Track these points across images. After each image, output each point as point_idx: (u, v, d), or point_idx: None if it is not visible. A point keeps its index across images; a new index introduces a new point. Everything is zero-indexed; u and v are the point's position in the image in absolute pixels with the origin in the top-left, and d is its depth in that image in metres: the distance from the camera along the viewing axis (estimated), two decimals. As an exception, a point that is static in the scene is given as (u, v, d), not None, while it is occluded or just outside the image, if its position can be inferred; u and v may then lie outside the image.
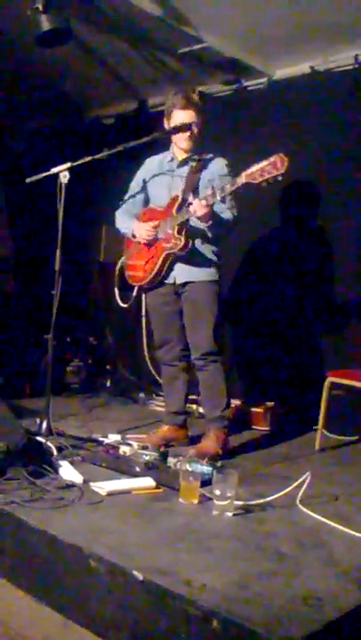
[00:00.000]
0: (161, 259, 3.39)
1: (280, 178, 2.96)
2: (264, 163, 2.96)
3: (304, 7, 3.81)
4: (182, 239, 3.29)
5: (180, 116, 3.35)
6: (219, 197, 3.14)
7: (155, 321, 3.62)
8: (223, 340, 3.53)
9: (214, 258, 3.43)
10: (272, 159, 2.94)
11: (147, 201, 3.61)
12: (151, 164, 3.60)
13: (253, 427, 4.19)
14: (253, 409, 4.24)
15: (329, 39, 4.22)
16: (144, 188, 3.60)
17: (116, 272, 3.62)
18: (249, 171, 3.01)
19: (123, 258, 3.62)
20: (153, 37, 4.35)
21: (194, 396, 4.06)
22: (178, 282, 3.42)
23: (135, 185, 3.65)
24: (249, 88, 4.92)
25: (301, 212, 4.62)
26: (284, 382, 4.55)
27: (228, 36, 4.30)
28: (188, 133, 3.35)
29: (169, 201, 3.41)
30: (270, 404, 4.30)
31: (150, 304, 3.62)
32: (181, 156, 3.45)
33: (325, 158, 4.48)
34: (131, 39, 4.40)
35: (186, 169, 3.44)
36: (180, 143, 3.40)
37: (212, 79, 4.97)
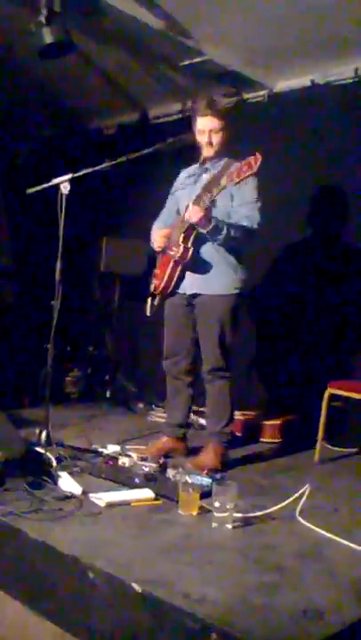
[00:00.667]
0: (170, 267, 3.36)
1: (254, 175, 3.08)
2: (243, 162, 3.07)
3: (304, 20, 3.85)
4: (182, 247, 3.27)
5: (200, 123, 3.35)
6: (208, 202, 3.15)
7: (166, 330, 3.56)
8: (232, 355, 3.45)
9: (230, 270, 3.34)
10: (249, 159, 3.04)
11: (179, 211, 3.56)
12: (183, 175, 3.60)
13: (261, 439, 4.16)
14: (263, 422, 4.21)
15: (329, 52, 4.25)
16: (174, 199, 3.60)
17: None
18: (228, 171, 3.12)
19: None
20: (154, 50, 4.39)
21: (195, 408, 4.04)
22: (188, 292, 3.40)
23: (169, 198, 3.66)
24: (249, 100, 4.95)
25: (303, 224, 4.64)
26: (292, 395, 4.54)
27: (229, 48, 4.34)
28: (205, 140, 3.34)
29: (185, 207, 3.39)
30: (279, 417, 4.28)
31: (166, 313, 3.54)
32: (205, 163, 3.44)
33: (325, 170, 4.50)
34: (132, 51, 4.44)
35: (207, 176, 3.40)
36: (202, 150, 3.40)
37: (213, 91, 4.98)
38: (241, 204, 3.29)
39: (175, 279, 3.38)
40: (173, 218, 3.57)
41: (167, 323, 3.55)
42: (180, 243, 3.28)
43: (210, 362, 3.36)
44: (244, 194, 3.28)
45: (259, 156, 2.99)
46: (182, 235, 3.28)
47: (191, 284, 3.37)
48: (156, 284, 3.48)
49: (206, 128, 3.33)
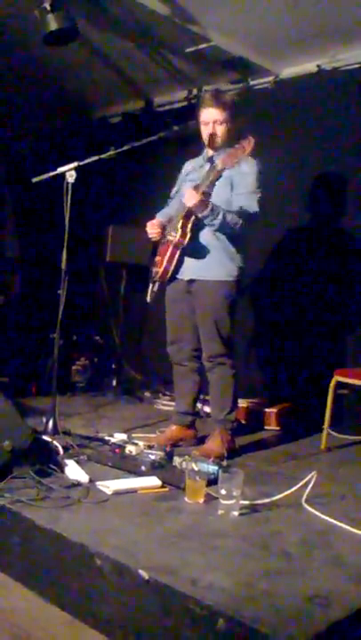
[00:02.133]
0: (169, 252, 3.37)
1: (249, 155, 3.16)
2: (236, 146, 3.14)
3: (311, 6, 3.81)
4: (180, 231, 3.27)
5: (204, 114, 3.35)
6: (204, 187, 3.17)
7: (168, 317, 3.57)
8: (234, 341, 3.48)
9: (228, 257, 3.34)
10: (243, 142, 3.11)
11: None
12: (187, 166, 3.61)
13: (266, 427, 4.17)
14: (266, 409, 4.23)
15: (336, 38, 4.21)
16: (180, 189, 3.58)
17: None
18: (223, 157, 3.19)
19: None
20: (160, 36, 4.36)
21: (201, 396, 4.05)
22: (185, 278, 3.40)
23: (174, 188, 3.66)
24: (256, 87, 4.92)
25: (308, 211, 4.62)
26: (296, 382, 4.55)
27: (235, 34, 4.30)
28: (209, 132, 3.33)
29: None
30: (283, 404, 4.30)
31: (167, 299, 3.55)
32: (210, 154, 3.43)
33: (332, 157, 4.47)
34: (137, 38, 4.41)
35: (210, 167, 3.38)
36: (206, 143, 3.39)
37: (219, 78, 4.97)
38: (240, 192, 3.29)
39: (174, 263, 3.38)
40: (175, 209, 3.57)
41: (168, 309, 3.56)
42: (179, 227, 3.28)
43: (208, 349, 3.37)
44: (244, 183, 3.27)
45: (252, 139, 3.06)
46: (181, 220, 3.28)
47: (189, 269, 3.38)
48: (156, 270, 3.48)
49: (210, 119, 3.32)
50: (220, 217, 3.18)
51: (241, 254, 3.38)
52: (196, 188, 3.24)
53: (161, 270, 3.41)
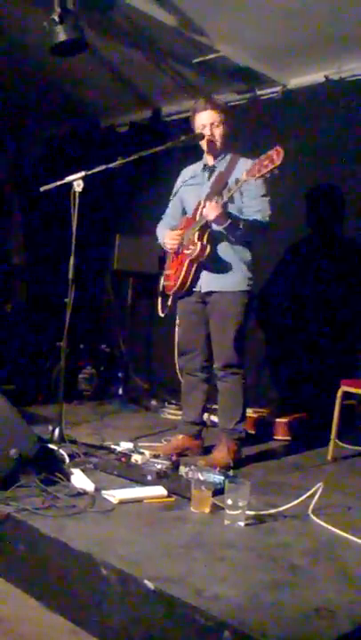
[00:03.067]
0: (185, 266, 3.36)
1: (276, 170, 2.96)
2: (262, 157, 2.99)
3: (318, 16, 3.83)
4: (199, 244, 3.26)
5: (200, 119, 3.37)
6: (226, 198, 3.14)
7: (181, 327, 3.57)
8: (246, 351, 3.46)
9: (243, 267, 3.34)
10: (270, 153, 2.95)
11: (184, 211, 3.59)
12: (185, 173, 3.62)
13: (276, 437, 4.16)
14: (277, 419, 4.21)
15: (343, 48, 4.23)
16: (179, 199, 3.61)
17: (160, 286, 3.63)
18: (249, 168, 3.04)
19: (164, 271, 3.63)
20: (167, 47, 4.39)
21: (208, 405, 4.04)
22: (203, 290, 3.39)
23: (173, 197, 3.67)
24: (263, 97, 4.94)
25: (317, 221, 4.62)
26: (305, 393, 4.53)
27: (243, 45, 4.33)
28: (206, 135, 3.35)
29: (195, 206, 3.40)
30: (295, 414, 4.28)
31: (179, 311, 3.55)
32: (211, 161, 3.45)
33: (340, 167, 4.47)
34: (145, 48, 4.44)
35: (215, 174, 3.42)
36: (204, 147, 3.41)
37: (227, 88, 5.00)
38: (252, 197, 3.29)
39: (191, 278, 3.38)
40: (178, 219, 3.58)
41: (180, 320, 3.55)
42: (197, 241, 3.28)
43: (222, 358, 3.36)
44: (254, 188, 3.28)
45: (281, 149, 2.92)
46: (197, 233, 3.28)
47: (205, 281, 3.37)
48: (169, 284, 3.48)
49: (207, 122, 3.35)
50: (241, 227, 3.19)
51: (251, 263, 3.39)
52: (211, 199, 3.20)
53: (178, 284, 3.40)
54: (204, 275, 3.37)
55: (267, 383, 4.75)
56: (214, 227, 3.25)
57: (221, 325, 3.35)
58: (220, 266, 3.33)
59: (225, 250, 3.32)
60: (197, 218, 3.33)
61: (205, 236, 3.28)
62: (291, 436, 4.15)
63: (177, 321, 3.59)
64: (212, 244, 3.29)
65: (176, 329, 3.59)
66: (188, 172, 3.61)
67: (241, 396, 3.39)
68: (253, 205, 3.28)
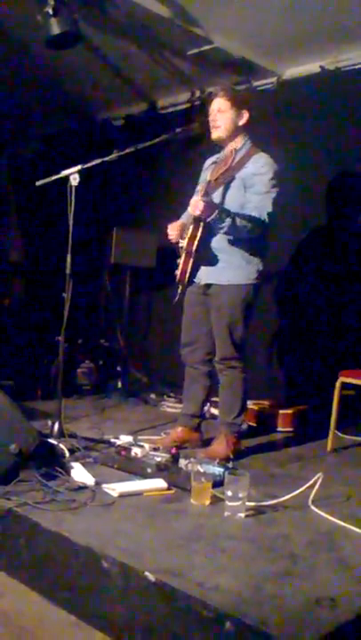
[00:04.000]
0: (183, 258, 3.34)
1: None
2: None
3: (313, 7, 3.81)
4: (187, 239, 3.25)
5: (211, 106, 3.34)
6: (204, 191, 3.11)
7: (184, 319, 3.55)
8: (247, 345, 3.44)
9: (244, 260, 3.30)
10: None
11: None
12: (208, 161, 3.56)
13: (278, 429, 4.17)
14: (276, 411, 4.22)
15: (338, 38, 4.22)
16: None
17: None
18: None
19: None
20: (162, 39, 4.37)
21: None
22: (202, 282, 3.39)
23: (198, 186, 3.58)
24: (259, 88, 4.92)
25: (314, 212, 4.61)
26: (305, 384, 4.53)
27: (238, 36, 4.31)
28: (213, 123, 3.31)
29: None
30: (292, 406, 4.28)
31: (185, 302, 3.53)
32: (229, 148, 3.37)
33: (336, 157, 4.46)
34: (140, 41, 4.42)
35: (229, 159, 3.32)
36: (211, 134, 3.36)
37: (222, 80, 4.96)
38: (253, 193, 3.25)
39: (189, 270, 3.35)
40: None
41: (185, 312, 3.55)
42: (189, 233, 3.26)
43: (221, 351, 3.36)
44: (257, 184, 3.23)
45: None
46: (191, 226, 3.27)
47: (205, 274, 3.36)
48: (177, 273, 3.48)
49: (214, 108, 3.32)
50: (229, 220, 3.11)
51: (259, 257, 3.34)
52: (198, 194, 3.18)
53: (179, 275, 3.39)
54: (203, 267, 3.36)
55: (269, 375, 4.74)
56: (204, 220, 3.19)
57: (219, 318, 3.34)
58: (220, 261, 3.31)
59: (222, 243, 3.29)
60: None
61: (199, 230, 3.23)
62: (290, 428, 4.16)
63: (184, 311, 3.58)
64: (204, 237, 3.25)
65: (183, 319, 3.58)
66: (209, 161, 3.54)
67: (240, 389, 3.39)
68: (253, 201, 3.23)
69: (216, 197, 3.28)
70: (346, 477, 3.13)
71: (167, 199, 3.70)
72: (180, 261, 3.36)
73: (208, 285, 3.37)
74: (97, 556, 2.02)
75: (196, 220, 3.23)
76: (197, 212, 3.12)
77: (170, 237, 3.46)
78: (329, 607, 1.76)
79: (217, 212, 3.12)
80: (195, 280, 3.40)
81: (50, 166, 3.62)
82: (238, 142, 3.36)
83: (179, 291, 3.47)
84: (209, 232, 3.26)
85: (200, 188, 3.32)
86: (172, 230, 3.43)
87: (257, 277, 3.34)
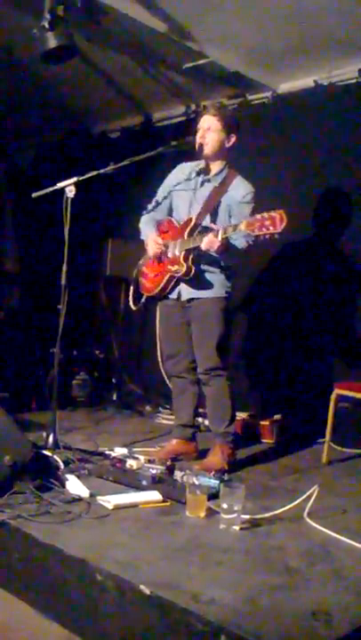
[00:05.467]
0: (166, 278, 3.39)
1: (277, 236, 2.91)
2: (265, 216, 2.90)
3: (307, 22, 3.85)
4: (185, 266, 3.28)
5: (200, 122, 3.38)
6: (220, 237, 3.07)
7: (163, 332, 3.59)
8: (230, 354, 3.49)
9: (222, 274, 3.36)
10: (274, 215, 2.88)
11: (171, 208, 3.57)
12: (181, 171, 3.54)
13: (263, 440, 4.17)
14: (262, 422, 4.22)
15: (332, 53, 4.26)
16: (169, 196, 3.56)
17: (134, 273, 3.62)
18: (250, 220, 2.98)
19: (141, 261, 3.61)
20: (157, 53, 4.40)
21: (202, 410, 4.05)
22: (183, 298, 3.41)
23: (162, 190, 3.60)
24: (253, 102, 4.96)
25: (306, 226, 4.63)
26: (292, 395, 4.54)
27: (232, 50, 4.34)
28: (199, 138, 3.34)
29: (185, 220, 3.38)
30: (278, 416, 4.29)
31: (160, 314, 3.58)
32: (208, 168, 3.41)
33: (330, 171, 4.49)
34: (135, 54, 4.45)
35: (209, 187, 3.39)
36: (197, 150, 3.39)
37: (217, 93, 5.02)
38: (241, 220, 3.25)
39: (169, 289, 3.42)
40: (163, 215, 3.56)
41: (162, 325, 3.58)
42: (183, 261, 3.28)
43: (205, 362, 3.37)
44: (244, 212, 3.25)
45: (285, 217, 2.85)
46: (184, 252, 3.28)
47: (185, 290, 3.39)
48: (146, 285, 3.49)
49: (203, 126, 3.35)
50: (225, 254, 3.19)
51: (232, 270, 3.41)
52: (215, 233, 3.11)
53: (155, 292, 3.44)
54: (184, 284, 3.39)
55: (254, 386, 4.75)
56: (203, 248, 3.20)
57: (202, 331, 3.37)
58: (201, 278, 3.34)
59: (207, 262, 3.32)
60: (186, 236, 3.31)
61: (191, 257, 3.28)
62: (278, 439, 4.16)
63: (157, 325, 3.59)
64: (197, 264, 3.30)
65: (157, 332, 3.59)
66: (184, 171, 3.53)
67: (228, 398, 3.40)
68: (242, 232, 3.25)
69: (205, 222, 3.32)
70: (341, 490, 3.13)
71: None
72: (162, 280, 3.40)
73: (189, 300, 3.40)
74: (91, 568, 2.01)
75: (195, 249, 3.23)
76: (213, 250, 3.12)
77: (151, 251, 3.46)
78: (325, 620, 1.75)
79: (228, 250, 3.14)
80: (170, 296, 3.44)
81: (46, 177, 3.63)
82: (219, 164, 3.40)
83: (143, 300, 3.49)
84: (198, 255, 3.28)
85: (193, 218, 3.33)
86: (156, 246, 3.43)
87: (230, 287, 3.41)
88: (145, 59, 4.52)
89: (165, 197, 3.58)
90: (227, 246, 3.14)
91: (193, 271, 3.29)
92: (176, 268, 3.31)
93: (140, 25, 3.92)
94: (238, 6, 3.77)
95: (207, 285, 3.35)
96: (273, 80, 4.77)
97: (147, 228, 3.58)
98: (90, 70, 4.72)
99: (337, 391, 3.62)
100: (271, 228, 2.87)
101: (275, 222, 2.86)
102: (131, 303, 3.56)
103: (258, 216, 2.94)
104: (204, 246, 3.15)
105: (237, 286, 3.71)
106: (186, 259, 3.29)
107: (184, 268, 3.28)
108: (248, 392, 4.65)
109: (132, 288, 3.55)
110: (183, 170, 3.54)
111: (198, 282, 3.35)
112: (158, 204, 3.60)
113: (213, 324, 3.34)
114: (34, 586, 2.20)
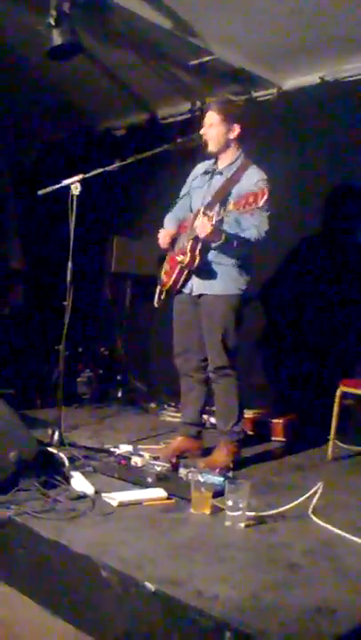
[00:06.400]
0: (176, 270, 3.39)
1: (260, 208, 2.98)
2: (249, 192, 2.96)
3: (312, 18, 3.84)
4: (189, 255, 3.27)
5: (204, 118, 3.38)
6: (214, 221, 3.08)
7: (175, 328, 3.57)
8: (239, 353, 3.45)
9: (236, 272, 3.33)
10: (257, 191, 2.93)
11: (192, 207, 3.55)
12: (198, 170, 3.57)
13: (273, 438, 4.17)
14: (273, 420, 4.22)
15: (338, 50, 4.24)
16: (189, 193, 3.57)
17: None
18: (237, 199, 3.02)
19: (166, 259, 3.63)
20: (163, 50, 4.40)
21: (207, 407, 4.05)
22: (194, 293, 3.41)
23: (184, 189, 3.62)
24: (259, 99, 4.95)
25: (313, 223, 4.62)
26: (301, 393, 4.53)
27: (238, 47, 4.34)
28: (204, 136, 3.34)
29: (195, 212, 3.38)
30: (289, 415, 4.29)
31: (174, 311, 3.56)
32: (222, 162, 3.41)
33: (335, 168, 4.48)
34: (141, 52, 4.45)
35: (221, 179, 3.38)
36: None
37: (222, 90, 4.98)
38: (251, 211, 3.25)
39: (181, 282, 3.42)
40: (186, 212, 3.56)
41: (175, 321, 3.56)
42: (188, 251, 3.29)
43: (214, 360, 3.37)
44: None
45: (265, 191, 2.92)
46: (190, 242, 3.29)
47: (197, 284, 3.39)
48: (165, 280, 3.49)
49: (207, 122, 3.35)
50: (235, 245, 3.17)
51: (248, 268, 3.38)
52: (206, 213, 3.14)
53: (170, 283, 3.43)
54: (195, 277, 3.38)
55: (264, 384, 4.74)
56: (212, 245, 3.21)
57: (211, 328, 3.36)
58: (212, 272, 3.33)
59: (217, 257, 3.31)
60: (193, 226, 3.31)
61: (198, 248, 3.27)
62: (287, 437, 4.15)
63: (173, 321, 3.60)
64: (202, 254, 3.28)
65: (174, 328, 3.59)
66: (200, 169, 3.55)
67: (236, 397, 3.39)
68: (251, 219, 3.21)
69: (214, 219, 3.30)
70: (346, 487, 3.13)
71: (167, 208, 3.70)
72: (174, 272, 3.39)
73: (199, 295, 3.39)
74: (96, 565, 2.02)
75: (197, 239, 3.24)
76: (203, 235, 3.13)
77: (161, 244, 3.48)
78: (329, 617, 1.75)
79: (222, 239, 3.14)
80: (184, 290, 3.43)
81: (51, 174, 3.64)
82: (230, 155, 3.40)
83: (162, 296, 3.50)
84: (207, 248, 3.28)
85: (201, 207, 3.32)
86: (164, 239, 3.46)
87: (245, 287, 3.38)
88: (150, 56, 4.52)
89: (186, 195, 3.59)
90: (222, 234, 3.12)
91: (197, 261, 3.27)
92: (182, 258, 3.32)
93: (145, 22, 3.92)
94: (243, 3, 3.77)
95: (217, 280, 3.33)
96: (278, 77, 4.75)
97: (166, 224, 3.60)
98: (95, 67, 4.72)
99: (342, 388, 3.61)
100: (253, 204, 2.93)
101: (257, 198, 2.91)
102: (155, 302, 3.55)
103: (244, 194, 3.01)
104: (197, 231, 3.16)
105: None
106: (192, 249, 3.28)
107: (187, 258, 3.28)
108: (259, 390, 4.65)
109: (157, 290, 3.54)
110: (200, 168, 3.56)
111: (207, 275, 3.33)
112: (181, 200, 3.62)
113: (221, 323, 3.32)
114: (39, 582, 2.20)
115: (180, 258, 3.33)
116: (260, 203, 2.91)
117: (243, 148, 3.42)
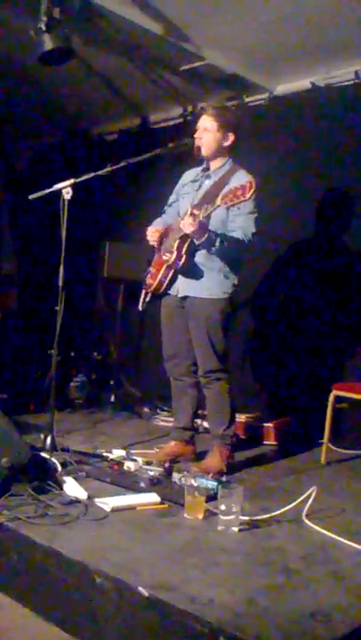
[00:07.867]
0: (162, 270, 3.39)
1: (246, 202, 3.01)
2: (238, 186, 2.99)
3: (304, 23, 3.85)
4: (175, 254, 3.28)
5: (199, 121, 3.39)
6: (202, 217, 3.10)
7: (164, 332, 3.56)
8: (229, 357, 3.47)
9: (223, 275, 3.33)
10: (244, 183, 2.96)
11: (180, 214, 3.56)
12: (186, 176, 3.59)
13: (265, 442, 4.17)
14: (265, 424, 4.22)
15: (329, 54, 4.26)
16: (178, 200, 3.58)
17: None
18: (224, 193, 3.03)
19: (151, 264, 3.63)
20: (155, 55, 4.40)
21: (200, 411, 4.04)
22: (179, 294, 3.40)
23: (172, 196, 3.64)
24: (250, 104, 4.96)
25: (305, 227, 4.64)
26: (293, 397, 4.53)
27: (229, 52, 4.35)
28: (197, 140, 3.34)
29: (184, 213, 3.38)
30: (281, 418, 4.29)
31: (162, 315, 3.56)
32: (212, 166, 3.42)
33: (327, 172, 4.50)
34: (133, 56, 4.45)
35: (209, 183, 3.40)
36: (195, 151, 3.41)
37: (214, 95, 5.01)
38: (237, 213, 3.25)
39: (167, 282, 3.41)
40: (174, 218, 3.57)
41: (163, 325, 3.56)
42: (174, 249, 3.29)
43: (204, 365, 3.36)
44: (241, 204, 3.21)
45: (253, 184, 2.94)
46: (177, 241, 3.29)
47: (182, 286, 3.38)
48: (150, 282, 3.49)
49: (201, 127, 3.36)
50: (218, 244, 3.16)
51: (235, 271, 3.38)
52: (193, 214, 3.18)
53: (155, 284, 3.43)
54: (181, 279, 3.38)
55: (255, 388, 4.74)
56: (194, 240, 3.22)
57: (197, 331, 3.35)
58: (195, 275, 3.32)
59: (203, 259, 3.31)
60: (180, 227, 3.32)
61: (185, 246, 3.27)
62: (279, 441, 4.15)
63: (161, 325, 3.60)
64: (189, 253, 3.28)
65: (162, 332, 3.59)
66: (189, 175, 3.57)
67: (227, 400, 3.38)
68: (237, 221, 3.24)
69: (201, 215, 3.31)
70: (340, 490, 3.13)
71: (159, 213, 3.71)
72: (159, 272, 3.38)
73: (185, 297, 3.39)
74: (90, 571, 2.01)
75: (183, 238, 3.24)
76: (189, 232, 3.14)
77: (149, 239, 3.48)
78: (323, 621, 1.74)
79: (207, 236, 3.14)
80: (169, 292, 3.43)
81: (43, 179, 3.63)
82: (219, 161, 3.41)
83: (147, 299, 3.50)
84: (194, 248, 3.28)
85: (189, 208, 3.33)
86: (152, 236, 3.47)
87: (232, 291, 3.38)
88: (142, 61, 4.52)
89: (175, 201, 3.61)
90: (207, 231, 3.12)
91: (183, 260, 3.27)
92: (168, 256, 3.32)
93: (137, 27, 3.92)
94: (235, 8, 3.77)
95: (202, 283, 3.32)
96: (270, 82, 4.77)
97: (154, 224, 3.60)
98: (87, 72, 4.72)
99: (335, 392, 3.62)
100: (241, 197, 2.95)
101: (244, 190, 2.93)
102: (140, 306, 3.55)
103: (232, 187, 3.03)
104: (181, 226, 3.17)
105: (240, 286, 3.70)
106: (179, 248, 3.28)
107: (173, 257, 3.28)
108: (251, 394, 4.65)
109: (142, 294, 3.54)
110: (189, 174, 3.58)
111: (192, 275, 3.32)
112: (170, 206, 3.64)
113: (207, 326, 3.31)
114: (32, 588, 2.19)
115: (166, 257, 3.34)
116: (248, 195, 2.93)
117: (231, 154, 3.44)
